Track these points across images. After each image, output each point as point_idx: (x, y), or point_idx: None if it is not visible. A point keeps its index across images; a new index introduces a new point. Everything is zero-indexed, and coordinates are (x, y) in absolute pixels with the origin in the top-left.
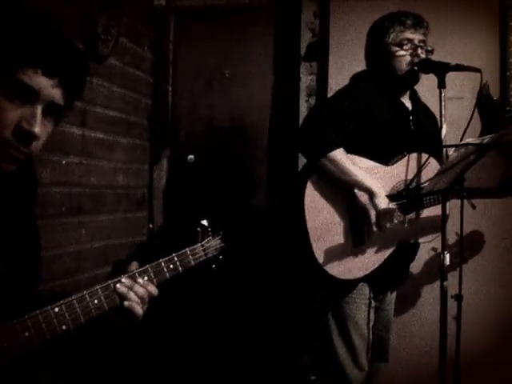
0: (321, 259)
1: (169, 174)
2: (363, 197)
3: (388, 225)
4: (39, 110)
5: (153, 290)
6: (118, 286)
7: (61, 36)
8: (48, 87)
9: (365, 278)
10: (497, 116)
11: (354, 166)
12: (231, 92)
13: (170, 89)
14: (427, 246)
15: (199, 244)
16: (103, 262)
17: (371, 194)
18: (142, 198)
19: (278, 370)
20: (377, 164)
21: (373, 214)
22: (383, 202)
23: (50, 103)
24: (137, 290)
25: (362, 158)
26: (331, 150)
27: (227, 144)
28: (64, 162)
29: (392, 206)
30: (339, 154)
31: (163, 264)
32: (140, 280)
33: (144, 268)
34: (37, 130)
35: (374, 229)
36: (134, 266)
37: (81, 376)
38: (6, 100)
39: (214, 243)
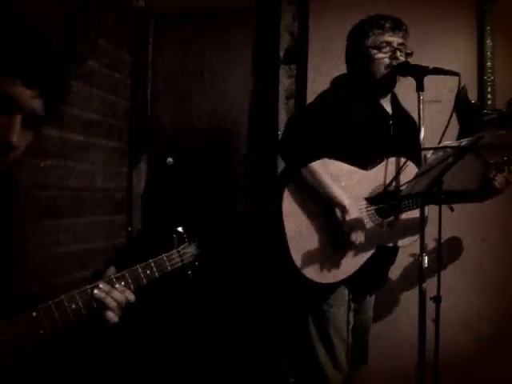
0: (299, 263)
1: (147, 177)
2: (337, 211)
3: (357, 240)
4: (18, 120)
5: (130, 296)
6: (95, 291)
7: (41, 45)
8: (28, 98)
9: (343, 282)
10: (474, 119)
11: (331, 179)
12: (210, 95)
13: (149, 91)
14: (406, 251)
15: (175, 250)
16: (82, 265)
17: (342, 209)
18: (121, 200)
19: (258, 373)
20: (356, 168)
21: (345, 228)
22: (353, 216)
23: (30, 113)
24: (114, 295)
25: (340, 163)
26: (312, 161)
27: (206, 147)
28: (42, 165)
29: (362, 213)
30: (318, 166)
31: (140, 270)
32: (117, 285)
33: (121, 273)
34: (14, 140)
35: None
36: (112, 271)
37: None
38: None
39: (189, 250)
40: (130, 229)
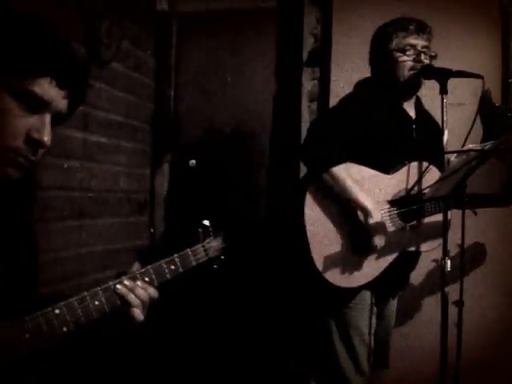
0: (321, 267)
1: (170, 179)
2: (360, 215)
3: (379, 245)
4: (48, 119)
5: (153, 292)
6: (118, 286)
7: (72, 47)
8: (58, 98)
9: (365, 286)
10: (498, 122)
11: (354, 183)
12: (233, 97)
13: (172, 93)
14: (428, 257)
15: (200, 244)
16: (104, 265)
17: (366, 213)
18: (144, 202)
19: (278, 375)
20: (377, 173)
21: (368, 232)
22: (376, 220)
23: (57, 113)
24: (137, 292)
25: (362, 167)
26: (334, 165)
27: (228, 149)
28: (65, 166)
29: (384, 218)
30: (340, 171)
31: (164, 265)
32: (139, 282)
33: (145, 269)
34: (46, 139)
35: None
36: (136, 266)
37: (81, 376)
38: (17, 109)
39: (215, 243)
40: (152, 230)
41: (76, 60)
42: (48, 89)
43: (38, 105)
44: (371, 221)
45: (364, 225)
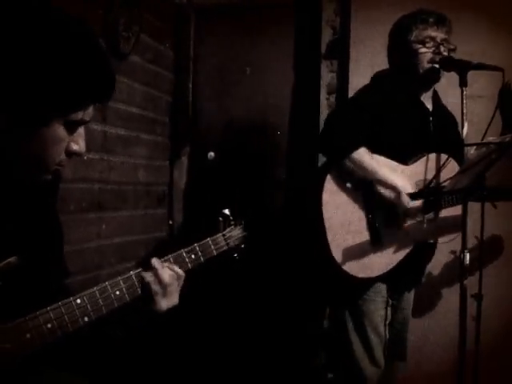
0: (338, 257)
1: (189, 171)
2: (389, 194)
3: (409, 222)
4: (83, 130)
5: (180, 272)
6: (143, 274)
7: (107, 61)
8: (92, 113)
9: (381, 277)
10: None
11: (377, 164)
12: (251, 89)
13: (191, 86)
14: (446, 248)
15: (221, 233)
16: (123, 257)
17: (396, 192)
18: (163, 194)
19: (296, 369)
20: (396, 163)
21: (399, 211)
22: (407, 200)
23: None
24: (162, 276)
25: (380, 157)
26: (353, 151)
27: (247, 141)
28: (85, 158)
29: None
30: (362, 154)
31: (184, 254)
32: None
33: (166, 258)
34: (84, 149)
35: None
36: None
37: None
38: (65, 133)
39: (235, 232)
40: (170, 222)
41: (114, 80)
42: (89, 111)
43: (80, 125)
44: (403, 198)
45: (395, 202)
